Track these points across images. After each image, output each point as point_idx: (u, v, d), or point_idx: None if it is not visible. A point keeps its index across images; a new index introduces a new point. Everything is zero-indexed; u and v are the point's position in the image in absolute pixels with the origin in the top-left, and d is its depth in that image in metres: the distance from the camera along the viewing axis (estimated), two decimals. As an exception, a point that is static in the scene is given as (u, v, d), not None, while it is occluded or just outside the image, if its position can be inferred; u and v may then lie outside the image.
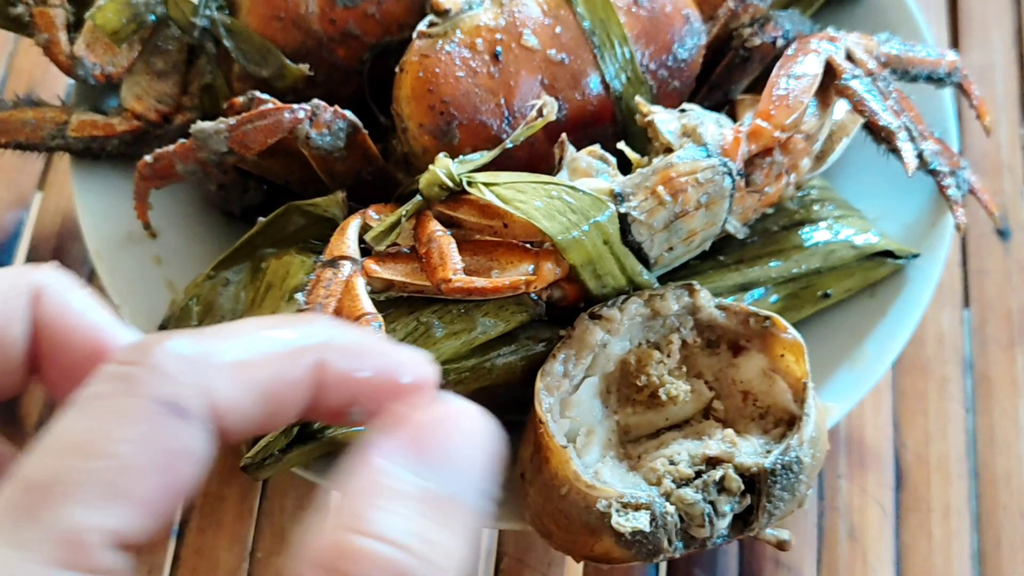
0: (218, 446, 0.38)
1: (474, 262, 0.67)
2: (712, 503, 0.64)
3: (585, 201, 0.67)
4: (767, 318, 0.69)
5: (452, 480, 0.37)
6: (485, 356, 0.69)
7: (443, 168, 0.67)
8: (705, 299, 0.69)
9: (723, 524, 0.64)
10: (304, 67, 0.77)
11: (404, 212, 0.67)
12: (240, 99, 0.73)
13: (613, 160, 0.70)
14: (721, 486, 0.64)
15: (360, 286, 0.65)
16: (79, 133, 0.78)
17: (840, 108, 0.77)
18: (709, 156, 0.69)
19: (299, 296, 0.65)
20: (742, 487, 0.64)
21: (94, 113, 0.79)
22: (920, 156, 0.75)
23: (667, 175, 0.68)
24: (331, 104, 0.72)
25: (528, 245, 0.68)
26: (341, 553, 0.34)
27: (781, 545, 0.67)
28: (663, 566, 0.82)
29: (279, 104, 0.71)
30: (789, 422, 0.68)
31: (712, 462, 0.65)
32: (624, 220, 0.68)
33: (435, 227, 0.66)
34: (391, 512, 0.35)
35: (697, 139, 0.70)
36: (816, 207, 0.79)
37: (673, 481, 0.64)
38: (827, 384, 0.76)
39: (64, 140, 0.78)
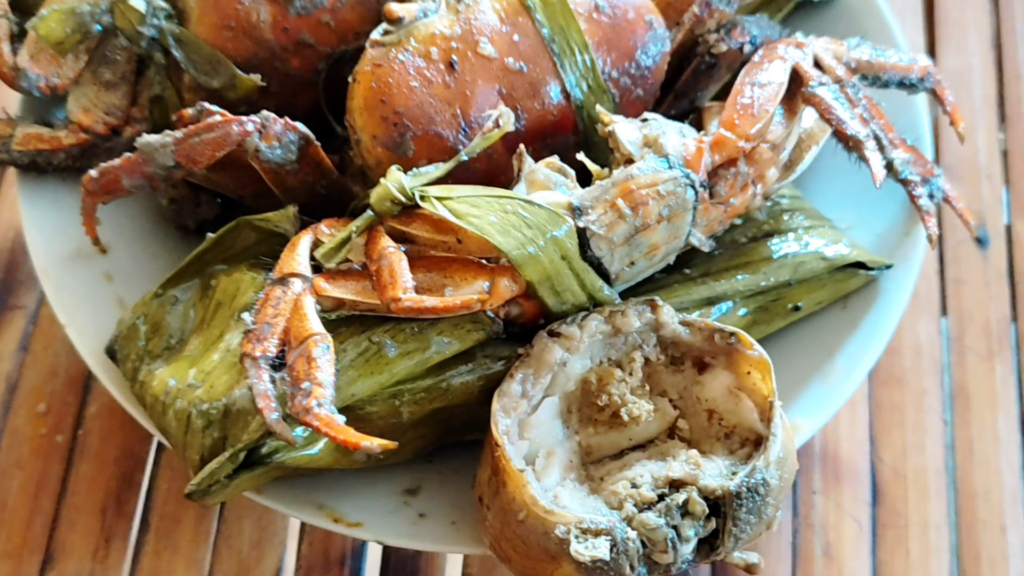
0: None
1: (427, 279, 0.64)
2: (675, 527, 0.62)
3: (541, 216, 0.65)
4: (732, 334, 0.67)
5: None
6: (441, 376, 0.67)
7: (395, 182, 0.65)
8: (668, 315, 0.67)
9: (687, 549, 0.62)
10: (256, 77, 0.75)
11: (354, 228, 0.65)
12: (189, 111, 0.71)
13: (572, 172, 0.69)
14: (685, 510, 0.62)
15: (309, 305, 0.62)
16: (24, 147, 0.76)
17: (809, 116, 0.76)
18: (671, 167, 0.67)
19: (246, 316, 0.63)
20: (707, 511, 0.62)
21: (40, 126, 0.77)
22: (889, 165, 0.73)
23: (627, 187, 0.66)
24: (284, 116, 0.70)
25: (484, 261, 0.66)
26: None
27: (750, 569, 0.65)
28: (632, 587, 0.80)
29: (228, 116, 0.68)
30: (756, 442, 0.66)
31: (676, 485, 0.63)
32: (583, 235, 0.66)
33: (386, 243, 0.64)
34: None
35: (659, 150, 0.68)
36: (785, 217, 0.77)
37: (635, 505, 0.62)
38: (798, 399, 0.74)
39: (9, 154, 0.76)
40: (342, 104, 0.73)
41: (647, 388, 0.68)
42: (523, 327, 0.68)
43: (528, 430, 0.65)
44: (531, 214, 0.65)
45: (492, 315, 0.67)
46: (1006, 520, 0.83)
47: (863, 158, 0.71)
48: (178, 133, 0.68)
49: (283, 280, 0.63)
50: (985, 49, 1.02)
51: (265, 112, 0.69)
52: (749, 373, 0.67)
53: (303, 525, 0.81)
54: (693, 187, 0.67)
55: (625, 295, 0.70)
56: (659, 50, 0.75)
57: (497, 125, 0.67)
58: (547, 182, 0.68)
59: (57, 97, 0.77)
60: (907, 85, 0.78)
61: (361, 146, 0.71)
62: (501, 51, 0.71)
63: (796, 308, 0.76)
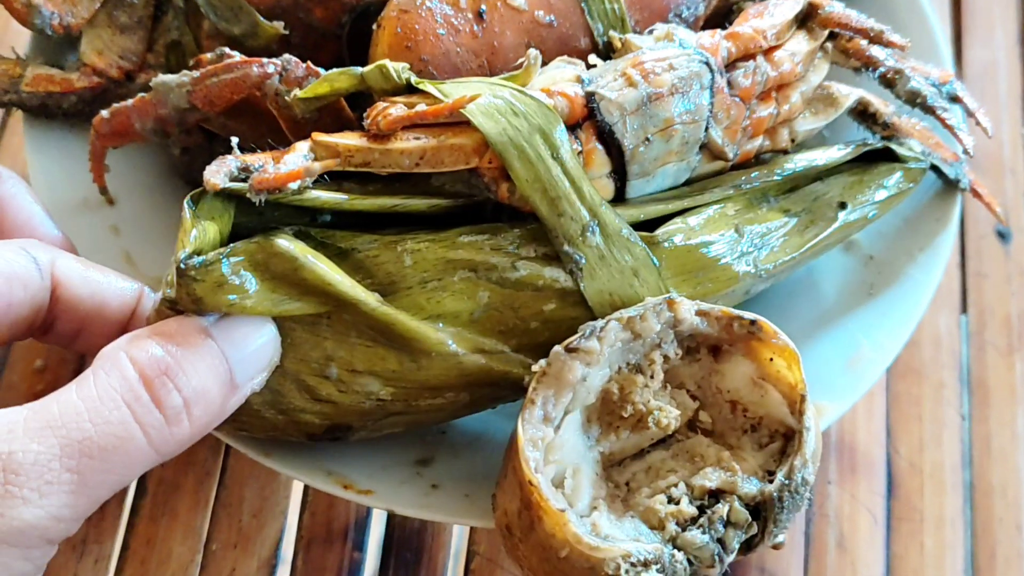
0: (47, 299, 0.60)
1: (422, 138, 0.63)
2: (720, 540, 0.60)
3: (532, 106, 0.63)
4: (753, 322, 0.63)
5: None
6: (445, 230, 0.64)
7: (393, 65, 0.64)
8: (686, 310, 0.63)
9: (731, 558, 0.60)
10: (279, 25, 0.72)
11: (331, 80, 0.65)
12: (208, 55, 0.68)
13: (582, 64, 0.67)
14: (727, 520, 0.60)
15: (301, 145, 0.61)
16: (34, 88, 0.74)
17: (840, 87, 0.75)
18: (684, 47, 0.66)
19: (234, 141, 0.62)
20: (749, 518, 0.60)
21: (51, 67, 0.74)
22: (915, 95, 0.74)
23: (638, 59, 0.65)
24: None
25: None
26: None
27: (777, 547, 0.62)
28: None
29: (247, 58, 0.66)
30: (785, 435, 0.63)
31: (714, 494, 0.61)
32: (592, 99, 0.64)
33: (383, 103, 0.63)
34: None
35: (672, 39, 0.67)
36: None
37: (677, 523, 0.60)
38: (822, 384, 0.72)
39: (18, 95, 0.74)
40: (365, 59, 0.71)
41: (667, 387, 0.65)
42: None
43: (553, 453, 0.62)
44: (522, 103, 0.63)
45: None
46: (1022, 518, 0.81)
47: (889, 44, 0.73)
48: (195, 73, 0.66)
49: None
50: (1011, 44, 1.01)
51: (287, 55, 0.66)
52: (772, 360, 0.63)
53: (305, 495, 0.79)
54: (708, 65, 0.66)
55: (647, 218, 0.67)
56: (692, 13, 0.73)
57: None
58: (558, 70, 0.66)
59: (70, 38, 0.74)
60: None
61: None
62: (532, 3, 0.69)
63: (843, 205, 0.72)
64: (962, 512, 0.81)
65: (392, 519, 0.78)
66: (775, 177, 0.71)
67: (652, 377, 0.64)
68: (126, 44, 0.74)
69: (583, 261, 0.63)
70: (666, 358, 0.64)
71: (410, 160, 0.62)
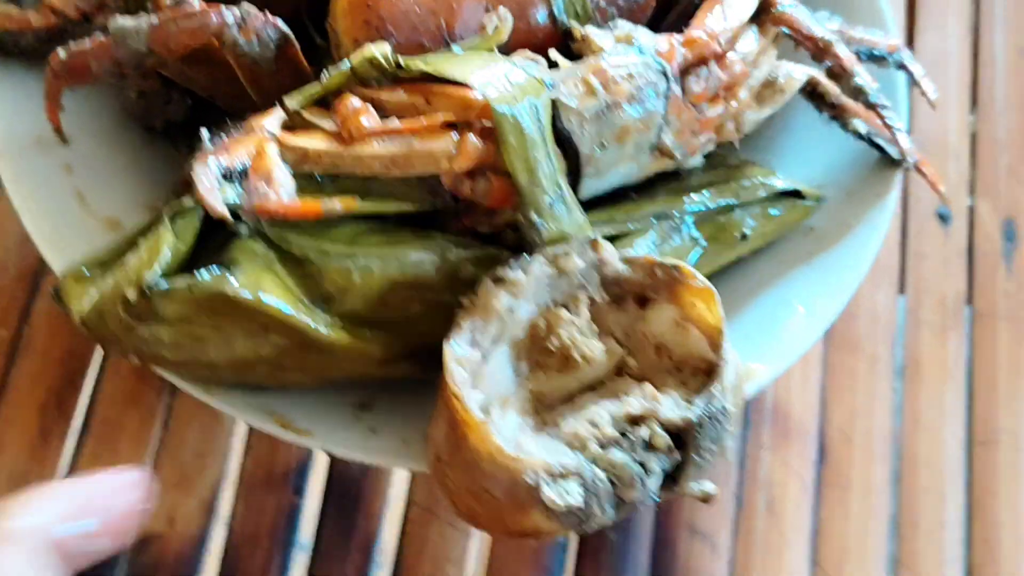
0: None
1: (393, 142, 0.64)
2: (641, 463, 0.61)
3: (522, 77, 0.65)
4: (674, 267, 0.66)
5: None
6: (395, 248, 0.66)
7: (378, 48, 0.65)
8: (609, 253, 0.66)
9: (654, 483, 0.61)
10: (237, -29, 0.73)
11: (324, 81, 0.65)
12: (167, 0, 0.69)
13: (544, 61, 0.69)
14: (648, 444, 0.61)
15: (272, 150, 0.61)
16: (-10, 25, 0.74)
17: (790, 68, 0.76)
18: (643, 54, 0.68)
19: (204, 133, 0.62)
20: (670, 443, 0.62)
21: (8, 4, 0.74)
22: (859, 91, 0.75)
23: (598, 66, 0.67)
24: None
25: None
26: None
27: (706, 499, 0.64)
28: (575, 528, 0.80)
29: (206, 6, 0.67)
30: (707, 371, 0.66)
31: (636, 421, 0.62)
32: (554, 106, 0.66)
33: (353, 100, 0.64)
34: None
35: (631, 42, 0.69)
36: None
37: (599, 444, 0.61)
38: (757, 347, 0.73)
39: (-27, 32, 0.74)
40: (324, 9, 0.72)
41: (594, 328, 0.67)
42: (490, 222, 0.67)
43: (481, 382, 0.64)
44: (513, 74, 0.65)
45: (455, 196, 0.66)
46: (946, 489, 0.84)
47: (834, 56, 0.74)
48: (153, 19, 0.66)
49: (249, 129, 0.63)
50: (963, 33, 1.03)
51: (245, 5, 0.67)
52: (695, 304, 0.66)
53: (248, 439, 0.80)
54: (664, 74, 0.68)
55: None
56: (647, -18, 0.74)
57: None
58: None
59: (29, -23, 0.75)
60: (876, 57, 0.79)
61: (341, 51, 0.69)
62: (490, -35, 0.70)
63: (744, 237, 0.76)
64: (889, 481, 0.84)
65: (333, 467, 0.80)
66: (695, 208, 0.74)
67: (578, 315, 0.66)
68: (85, -16, 0.74)
69: (545, 232, 0.66)
70: (592, 300, 0.67)
71: (380, 164, 0.63)
